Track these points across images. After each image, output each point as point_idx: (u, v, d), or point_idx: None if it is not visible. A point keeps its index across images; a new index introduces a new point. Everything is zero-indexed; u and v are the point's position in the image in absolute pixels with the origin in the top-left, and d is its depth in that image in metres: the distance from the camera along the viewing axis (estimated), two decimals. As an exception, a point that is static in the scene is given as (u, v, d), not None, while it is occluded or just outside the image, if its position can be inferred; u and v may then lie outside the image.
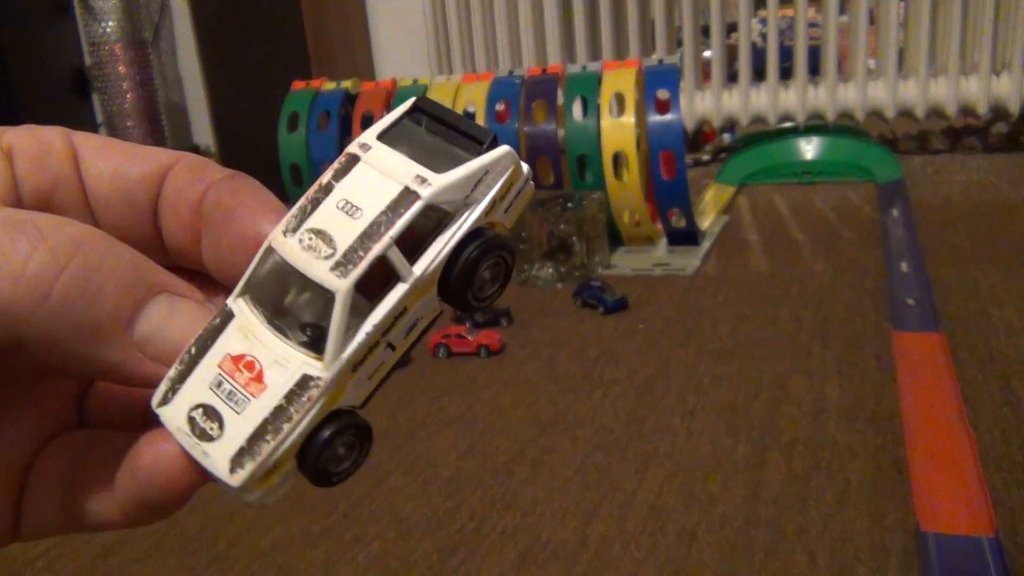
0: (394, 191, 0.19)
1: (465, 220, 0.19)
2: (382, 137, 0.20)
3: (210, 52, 1.99)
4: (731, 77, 2.03)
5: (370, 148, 0.20)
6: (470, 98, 1.34)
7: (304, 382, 0.19)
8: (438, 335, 0.96)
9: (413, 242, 0.19)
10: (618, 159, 1.25)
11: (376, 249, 0.18)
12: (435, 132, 0.20)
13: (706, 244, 1.31)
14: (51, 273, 0.19)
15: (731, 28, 2.41)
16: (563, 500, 0.64)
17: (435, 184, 0.19)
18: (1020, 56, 1.80)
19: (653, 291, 1.12)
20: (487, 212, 0.19)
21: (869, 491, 0.61)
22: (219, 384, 0.20)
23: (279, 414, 0.19)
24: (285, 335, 0.20)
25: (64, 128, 0.24)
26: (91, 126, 2.35)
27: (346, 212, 0.19)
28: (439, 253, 0.19)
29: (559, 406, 0.80)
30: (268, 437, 0.19)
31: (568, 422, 0.76)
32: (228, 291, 0.21)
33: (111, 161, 0.23)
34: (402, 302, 0.19)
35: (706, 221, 1.44)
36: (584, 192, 1.23)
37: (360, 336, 0.19)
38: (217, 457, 0.20)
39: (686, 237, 1.29)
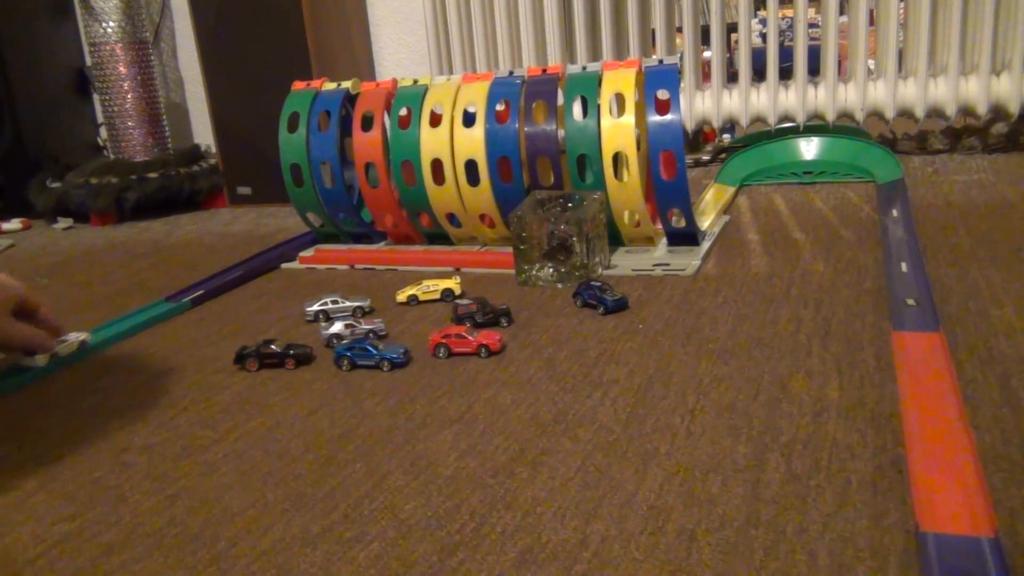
0: None
1: None
2: None
3: (210, 52, 1.99)
4: (731, 77, 2.03)
5: None
6: (470, 98, 1.34)
7: None
8: (438, 335, 0.96)
9: None
10: (618, 159, 1.25)
11: None
12: None
13: (706, 244, 1.31)
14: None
15: (731, 28, 2.41)
16: (563, 500, 0.64)
17: None
18: (1020, 56, 1.80)
19: (653, 291, 1.12)
20: None
21: (869, 491, 0.61)
22: None
23: None
24: None
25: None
26: (91, 126, 2.35)
27: None
28: None
29: (559, 406, 0.80)
30: None
31: (568, 422, 0.76)
32: None
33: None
34: None
35: (706, 221, 1.44)
36: (584, 192, 1.23)
37: None
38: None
39: (686, 237, 1.30)
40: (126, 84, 2.05)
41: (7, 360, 0.99)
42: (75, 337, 1.04)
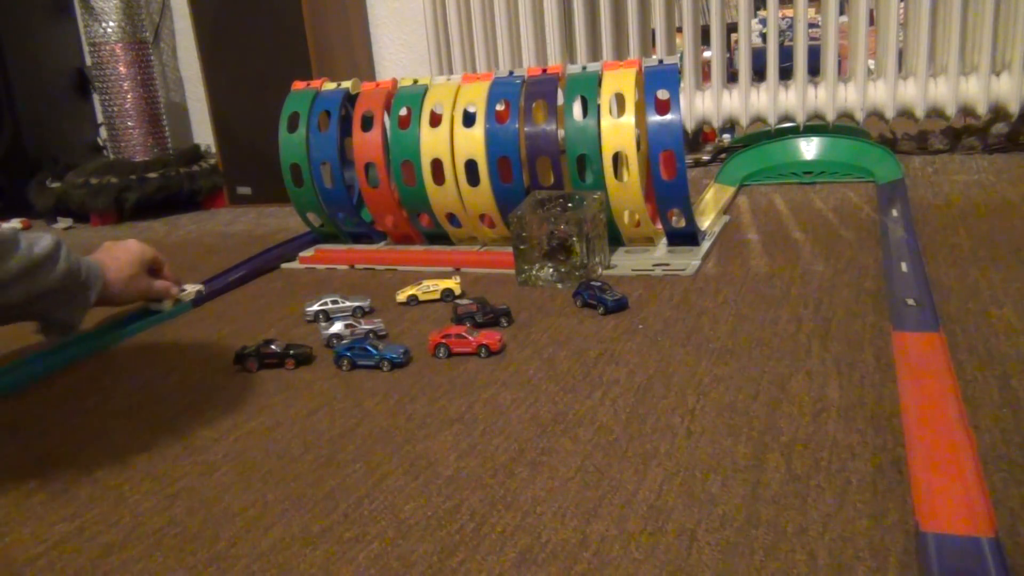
0: None
1: None
2: None
3: (210, 52, 1.99)
4: (731, 77, 2.03)
5: None
6: (470, 98, 1.34)
7: None
8: (438, 335, 0.96)
9: None
10: (618, 159, 1.25)
11: None
12: None
13: (706, 244, 1.31)
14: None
15: (731, 28, 2.41)
16: (563, 500, 0.64)
17: None
18: (1020, 56, 1.80)
19: (653, 291, 1.12)
20: None
21: (869, 491, 0.61)
22: None
23: None
24: None
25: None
26: (91, 126, 2.35)
27: None
28: None
29: (559, 406, 0.80)
30: None
31: (568, 422, 0.76)
32: None
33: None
34: None
35: (706, 221, 1.44)
36: (584, 192, 1.23)
37: None
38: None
39: (686, 237, 1.30)
40: (126, 84, 2.05)
41: (141, 306, 1.21)
42: (192, 288, 1.25)
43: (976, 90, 1.85)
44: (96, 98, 2.26)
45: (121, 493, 0.71)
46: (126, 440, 0.81)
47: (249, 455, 0.76)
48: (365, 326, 1.03)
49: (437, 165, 1.35)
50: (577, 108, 1.28)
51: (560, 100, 1.31)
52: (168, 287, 1.20)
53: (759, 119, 2.00)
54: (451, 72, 2.13)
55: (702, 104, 2.01)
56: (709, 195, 1.64)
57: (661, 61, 1.29)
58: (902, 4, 1.91)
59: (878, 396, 0.76)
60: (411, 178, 1.38)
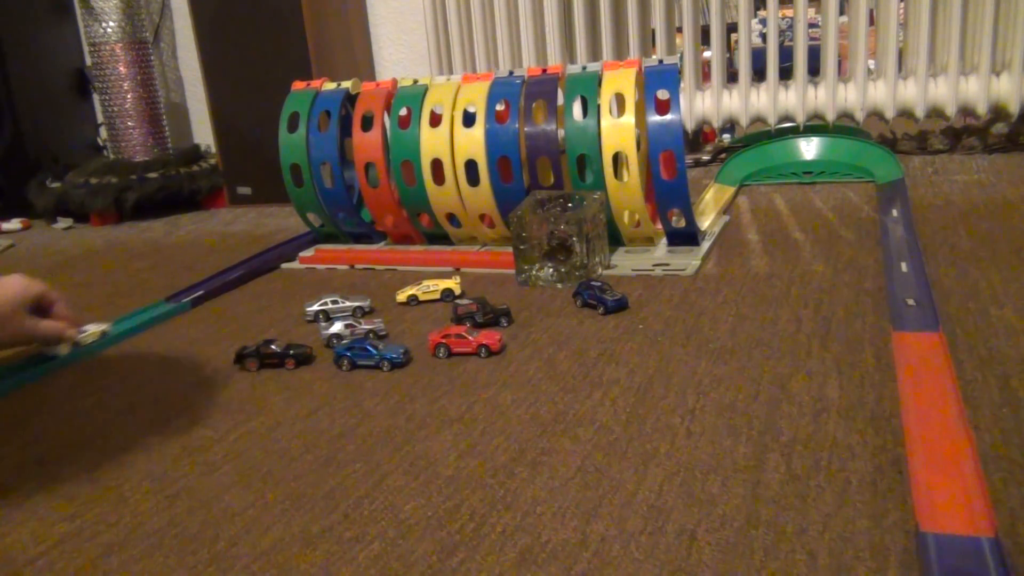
0: None
1: None
2: None
3: (210, 52, 1.99)
4: (731, 77, 2.03)
5: None
6: (470, 98, 1.34)
7: None
8: (438, 335, 0.96)
9: None
10: (618, 159, 1.25)
11: None
12: None
13: (706, 244, 1.31)
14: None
15: (731, 28, 2.41)
16: (563, 500, 0.64)
17: None
18: (1020, 56, 1.80)
19: (653, 291, 1.12)
20: None
21: (869, 491, 0.61)
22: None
23: None
24: None
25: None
26: (91, 126, 2.35)
27: None
28: None
29: (559, 406, 0.80)
30: None
31: (568, 422, 0.76)
32: None
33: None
34: None
35: (706, 221, 1.44)
36: (584, 192, 1.23)
37: None
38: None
39: (686, 237, 1.30)
40: (126, 84, 2.05)
41: (32, 351, 1.06)
42: (95, 328, 1.12)
43: (976, 90, 1.85)
44: (96, 98, 2.26)
45: (121, 493, 0.71)
46: (126, 440, 0.81)
47: (249, 455, 0.76)
48: (365, 326, 1.03)
49: (437, 165, 1.35)
50: (577, 108, 1.28)
51: (560, 100, 1.31)
52: (58, 329, 1.04)
53: (759, 119, 2.00)
54: (451, 72, 2.13)
55: (702, 104, 2.01)
56: (709, 195, 1.64)
57: (661, 61, 1.29)
58: (902, 4, 1.91)
59: (878, 396, 0.76)
60: (411, 178, 1.38)
